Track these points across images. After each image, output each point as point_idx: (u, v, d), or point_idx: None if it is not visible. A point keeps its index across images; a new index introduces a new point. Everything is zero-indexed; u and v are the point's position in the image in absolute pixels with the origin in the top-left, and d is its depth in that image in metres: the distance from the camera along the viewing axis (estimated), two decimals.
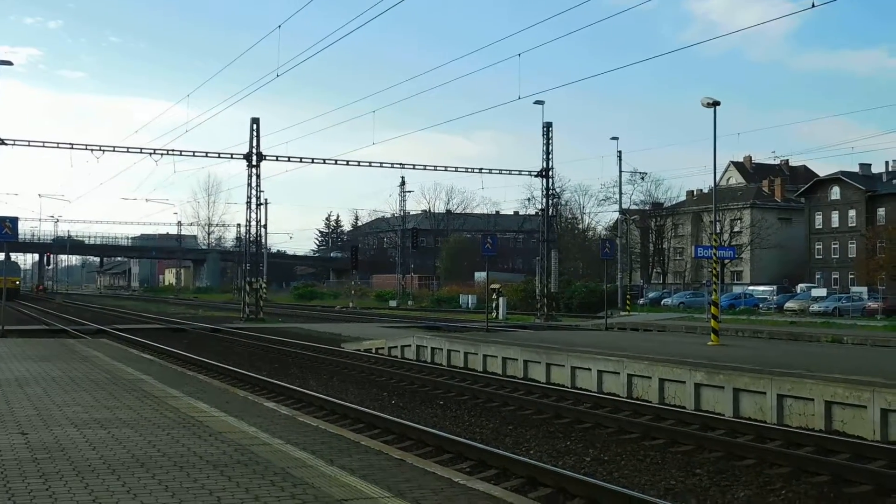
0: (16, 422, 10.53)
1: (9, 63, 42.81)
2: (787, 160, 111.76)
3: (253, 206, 49.99)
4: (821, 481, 10.49)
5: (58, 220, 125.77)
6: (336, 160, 52.63)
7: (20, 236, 33.22)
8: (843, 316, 53.85)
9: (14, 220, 29.22)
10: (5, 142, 43.50)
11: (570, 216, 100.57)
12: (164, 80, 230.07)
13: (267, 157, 49.83)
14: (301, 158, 51.38)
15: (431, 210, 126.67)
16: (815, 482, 10.48)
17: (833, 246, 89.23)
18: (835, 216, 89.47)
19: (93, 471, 7.75)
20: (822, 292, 66.92)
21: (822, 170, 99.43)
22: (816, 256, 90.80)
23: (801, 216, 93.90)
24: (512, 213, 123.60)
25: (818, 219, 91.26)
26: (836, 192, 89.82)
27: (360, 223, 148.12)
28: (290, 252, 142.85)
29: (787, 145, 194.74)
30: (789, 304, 62.59)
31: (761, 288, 74.98)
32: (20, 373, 16.47)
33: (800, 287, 76.13)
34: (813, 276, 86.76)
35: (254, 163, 49.15)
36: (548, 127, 53.14)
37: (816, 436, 13.13)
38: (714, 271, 28.84)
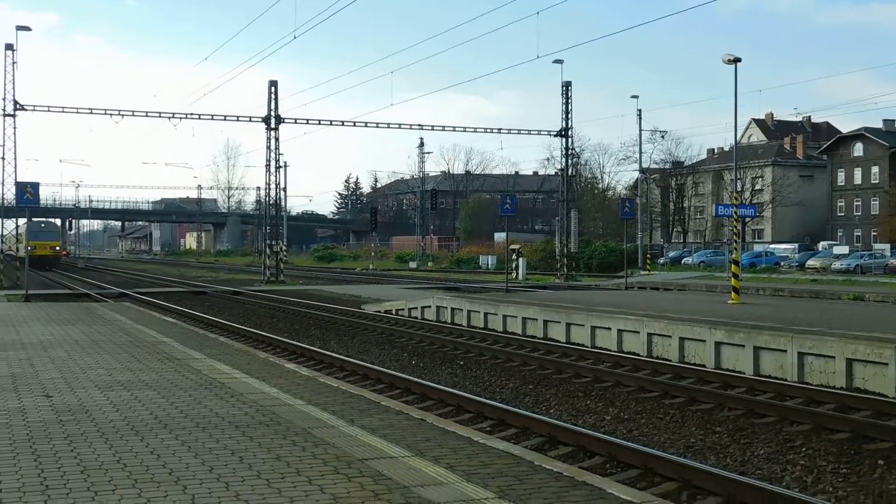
0: (40, 384, 10.66)
1: (28, 28, 42.86)
2: (809, 117, 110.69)
3: (272, 169, 50.03)
4: (841, 438, 10.49)
5: (79, 186, 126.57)
6: (354, 122, 52.58)
7: (42, 201, 33.44)
8: (865, 273, 53.55)
9: (35, 186, 29.43)
10: (25, 107, 43.60)
11: (589, 176, 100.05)
12: (181, 43, 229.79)
13: (285, 120, 49.73)
14: (319, 121, 51.27)
15: (450, 171, 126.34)
16: (836, 439, 10.48)
17: (856, 203, 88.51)
18: (857, 173, 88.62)
19: (116, 432, 7.85)
20: (845, 250, 66.46)
21: (845, 126, 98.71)
22: (838, 214, 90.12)
23: (824, 173, 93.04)
24: (531, 173, 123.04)
25: (840, 176, 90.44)
26: (859, 149, 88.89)
27: (379, 185, 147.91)
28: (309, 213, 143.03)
29: (810, 102, 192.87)
30: (811, 262, 62.19)
31: (782, 246, 74.59)
32: (44, 336, 16.65)
33: (821, 245, 75.66)
34: (835, 234, 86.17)
35: (272, 126, 49.09)
36: (567, 86, 52.71)
37: (837, 393, 13.09)
38: (735, 229, 28.68)
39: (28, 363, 12.64)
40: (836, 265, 58.23)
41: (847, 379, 14.22)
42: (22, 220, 40.46)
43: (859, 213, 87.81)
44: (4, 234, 65.23)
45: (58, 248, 73.33)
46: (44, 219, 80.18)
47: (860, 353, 14.15)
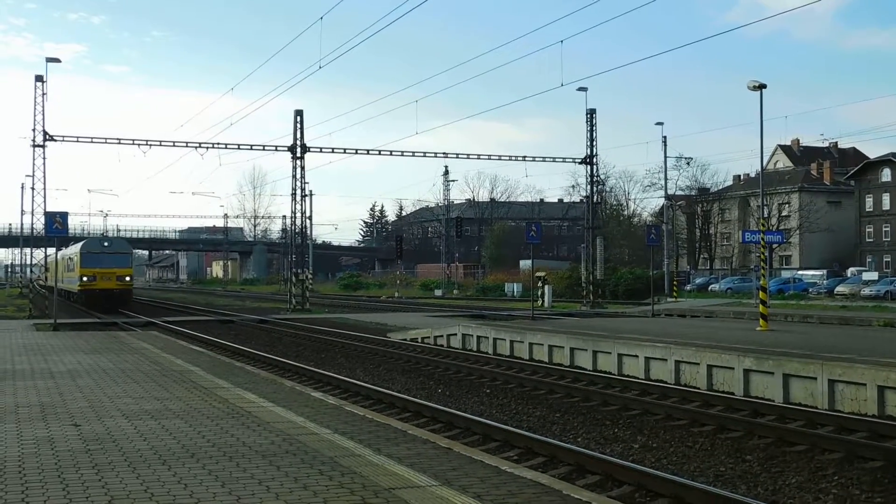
0: (69, 413, 10.70)
1: (57, 60, 43.47)
2: (836, 142, 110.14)
3: (298, 198, 50.30)
4: (874, 467, 10.34)
5: (107, 215, 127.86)
6: (380, 150, 52.78)
7: (70, 231, 33.80)
8: (895, 300, 52.97)
9: (64, 216, 29.75)
10: (54, 138, 44.14)
11: (615, 203, 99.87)
12: (207, 73, 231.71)
13: (311, 149, 50.03)
14: (345, 149, 51.59)
15: (475, 198, 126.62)
16: (869, 468, 10.33)
17: (884, 229, 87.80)
18: (886, 198, 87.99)
19: (144, 461, 7.85)
20: (874, 276, 65.85)
21: (873, 151, 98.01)
22: (867, 240, 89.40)
23: (851, 199, 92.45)
24: (556, 200, 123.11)
25: (868, 201, 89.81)
26: (886, 174, 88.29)
27: (404, 213, 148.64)
28: (335, 243, 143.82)
29: (836, 127, 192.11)
30: (840, 289, 61.64)
31: (811, 272, 74.01)
32: (72, 365, 16.74)
33: (850, 271, 74.97)
34: (864, 260, 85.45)
35: (298, 154, 49.40)
36: (591, 114, 52.78)
37: (869, 421, 12.92)
38: (762, 256, 28.50)
39: (56, 392, 12.70)
40: (866, 291, 57.66)
41: (879, 406, 14.02)
42: (46, 248, 40.28)
43: (888, 239, 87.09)
44: (39, 260, 64.28)
45: (128, 277, 51.40)
46: (110, 236, 61.00)
47: (892, 380, 13.95)
